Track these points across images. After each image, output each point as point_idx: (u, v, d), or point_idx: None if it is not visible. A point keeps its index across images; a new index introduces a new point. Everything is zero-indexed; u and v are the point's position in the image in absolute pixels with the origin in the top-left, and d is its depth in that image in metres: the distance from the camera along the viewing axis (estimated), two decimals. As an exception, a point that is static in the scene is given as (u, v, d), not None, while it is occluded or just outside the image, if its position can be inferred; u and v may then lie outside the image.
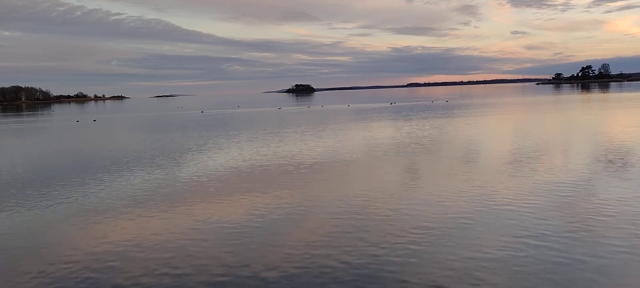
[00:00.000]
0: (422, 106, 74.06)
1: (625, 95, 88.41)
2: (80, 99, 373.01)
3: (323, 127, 41.95)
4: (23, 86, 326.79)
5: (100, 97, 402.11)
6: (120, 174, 20.40)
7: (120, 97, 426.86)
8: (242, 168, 20.96)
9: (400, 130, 35.44)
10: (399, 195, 14.80)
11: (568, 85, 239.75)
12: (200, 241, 10.94)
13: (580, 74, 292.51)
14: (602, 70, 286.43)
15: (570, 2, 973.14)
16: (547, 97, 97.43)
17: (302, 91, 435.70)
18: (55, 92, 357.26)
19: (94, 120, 69.47)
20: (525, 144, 24.91)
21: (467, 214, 12.22)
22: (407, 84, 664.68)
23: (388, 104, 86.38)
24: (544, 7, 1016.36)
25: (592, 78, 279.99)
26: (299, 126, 43.75)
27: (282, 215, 12.99)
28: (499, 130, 34.90)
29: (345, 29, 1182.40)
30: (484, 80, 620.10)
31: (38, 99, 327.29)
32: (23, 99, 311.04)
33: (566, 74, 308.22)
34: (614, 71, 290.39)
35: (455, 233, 10.80)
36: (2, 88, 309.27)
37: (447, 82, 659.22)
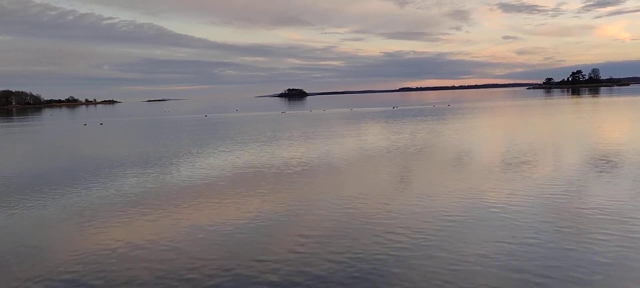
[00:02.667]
0: (425, 110, 74.25)
1: (615, 99, 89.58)
2: (71, 103, 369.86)
3: (335, 130, 41.98)
4: (13, 91, 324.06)
5: (91, 101, 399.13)
6: (124, 176, 20.59)
7: (112, 102, 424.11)
8: (258, 171, 21.14)
9: (413, 133, 35.84)
10: (400, 196, 15.15)
11: (558, 89, 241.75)
12: (194, 244, 10.92)
13: (570, 79, 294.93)
14: (592, 75, 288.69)
15: (561, 7, 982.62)
16: (542, 101, 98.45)
17: (295, 95, 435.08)
18: (45, 97, 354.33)
19: (101, 124, 69.93)
20: (529, 146, 25.34)
21: (466, 215, 12.54)
22: (399, 89, 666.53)
23: (391, 108, 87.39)
24: (534, 12, 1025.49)
25: (583, 83, 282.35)
26: (312, 129, 43.69)
27: (286, 217, 13.26)
28: (507, 133, 35.32)
29: (338, 33, 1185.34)
30: (476, 85, 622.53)
31: (28, 103, 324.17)
32: (13, 104, 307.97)
33: (557, 79, 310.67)
34: (603, 76, 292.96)
35: (454, 234, 11.04)
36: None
37: (438, 87, 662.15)
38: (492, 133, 35.02)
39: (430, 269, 8.95)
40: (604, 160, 19.80)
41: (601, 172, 17.39)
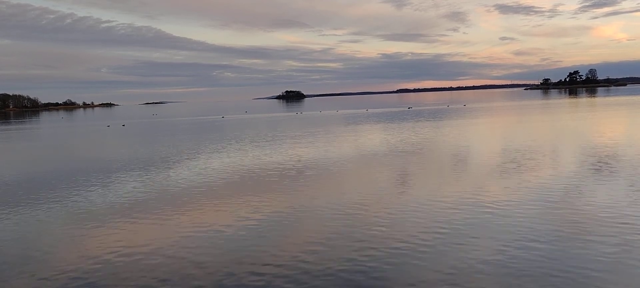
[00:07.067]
0: (442, 110, 74.23)
1: (614, 99, 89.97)
2: (69, 106, 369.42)
3: (364, 129, 42.00)
4: (11, 94, 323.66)
5: (88, 104, 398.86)
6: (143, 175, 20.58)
7: (110, 105, 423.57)
8: (293, 169, 21.16)
9: (444, 133, 35.89)
10: (417, 197, 15.24)
11: (556, 90, 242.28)
12: (195, 247, 10.85)
13: (567, 79, 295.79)
14: (589, 76, 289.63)
15: (558, 8, 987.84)
16: (542, 101, 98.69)
17: (292, 97, 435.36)
18: (43, 100, 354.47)
19: (123, 125, 70.95)
20: (545, 145, 25.41)
21: (477, 216, 12.58)
22: (397, 90, 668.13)
23: (406, 108, 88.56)
24: (531, 13, 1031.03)
25: (580, 83, 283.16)
26: (340, 129, 43.64)
27: (301, 217, 13.34)
28: (526, 132, 35.37)
29: (336, 35, 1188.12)
30: (473, 86, 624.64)
31: (26, 106, 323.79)
32: (11, 107, 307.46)
33: (554, 80, 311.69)
34: (600, 76, 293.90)
35: (458, 235, 11.04)
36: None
37: (436, 88, 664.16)
38: (522, 132, 35.08)
39: (431, 270, 8.97)
40: (605, 161, 19.79)
41: (602, 172, 17.37)
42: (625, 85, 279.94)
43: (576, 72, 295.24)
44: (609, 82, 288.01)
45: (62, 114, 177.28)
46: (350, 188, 16.65)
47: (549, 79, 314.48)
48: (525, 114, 57.90)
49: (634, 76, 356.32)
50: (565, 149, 24.29)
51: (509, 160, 21.08)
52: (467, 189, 15.45)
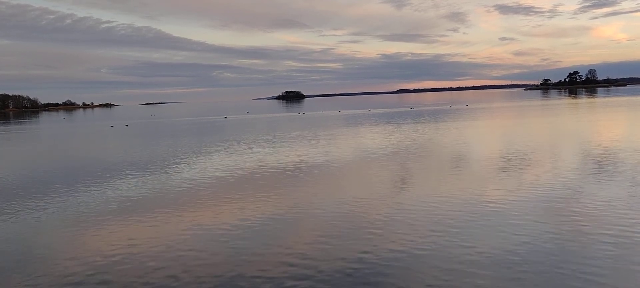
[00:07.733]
0: (445, 110, 74.26)
1: (613, 99, 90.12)
2: (69, 106, 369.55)
3: (369, 130, 42.06)
4: (10, 94, 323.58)
5: (88, 104, 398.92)
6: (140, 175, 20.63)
7: (109, 105, 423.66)
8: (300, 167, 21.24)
9: (451, 133, 36.01)
10: (417, 196, 15.22)
11: (556, 90, 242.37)
12: (195, 247, 10.87)
13: (567, 80, 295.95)
14: (589, 76, 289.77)
15: (557, 8, 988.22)
16: (543, 102, 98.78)
17: (292, 98, 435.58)
18: (43, 100, 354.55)
19: (126, 125, 71.27)
20: (546, 145, 25.50)
21: (477, 216, 12.68)
22: (397, 90, 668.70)
23: (408, 108, 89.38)
24: (531, 14, 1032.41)
25: (580, 83, 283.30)
26: (346, 130, 43.63)
27: (302, 217, 13.31)
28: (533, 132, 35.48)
29: (335, 35, 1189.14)
30: (473, 86, 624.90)
31: (25, 107, 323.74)
32: (10, 107, 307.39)
33: (554, 80, 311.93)
34: (600, 76, 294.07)
35: (458, 235, 11.09)
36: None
37: (436, 88, 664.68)
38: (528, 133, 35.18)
39: (431, 270, 9.03)
40: (605, 161, 19.80)
41: (602, 173, 17.38)
42: (625, 85, 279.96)
43: (576, 73, 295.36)
44: (609, 83, 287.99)
45: (62, 114, 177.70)
46: (354, 188, 16.66)
47: (549, 79, 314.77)
48: (526, 114, 57.97)
49: (634, 76, 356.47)
50: (565, 150, 24.35)
51: (511, 160, 21.07)
52: (470, 189, 15.47)
